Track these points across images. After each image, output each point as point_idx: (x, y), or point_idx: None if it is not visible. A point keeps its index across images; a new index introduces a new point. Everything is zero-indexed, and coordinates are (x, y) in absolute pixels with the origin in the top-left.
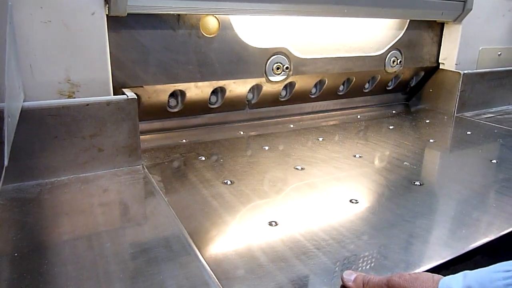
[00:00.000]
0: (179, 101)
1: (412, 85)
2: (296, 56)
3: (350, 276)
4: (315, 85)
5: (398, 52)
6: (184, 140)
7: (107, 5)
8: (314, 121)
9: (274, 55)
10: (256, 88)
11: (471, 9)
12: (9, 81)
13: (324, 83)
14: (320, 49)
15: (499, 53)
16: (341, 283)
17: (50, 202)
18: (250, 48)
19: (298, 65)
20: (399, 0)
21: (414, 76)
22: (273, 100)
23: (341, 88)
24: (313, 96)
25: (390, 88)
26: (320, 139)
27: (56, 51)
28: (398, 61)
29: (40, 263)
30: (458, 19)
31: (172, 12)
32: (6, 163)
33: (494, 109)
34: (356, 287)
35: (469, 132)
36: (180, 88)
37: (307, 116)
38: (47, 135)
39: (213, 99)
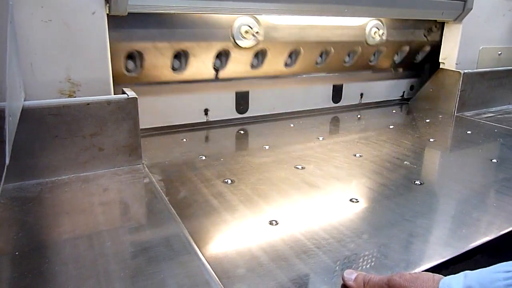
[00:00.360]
0: (138, 65)
1: (397, 62)
2: (266, 21)
3: (351, 275)
4: (290, 55)
5: (379, 23)
6: (184, 140)
7: (108, 5)
8: (314, 121)
9: (241, 15)
10: (224, 54)
11: (472, 9)
12: (10, 80)
13: (299, 53)
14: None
15: (499, 52)
16: (341, 282)
17: (50, 201)
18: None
19: (269, 31)
20: (399, 0)
21: (398, 52)
22: (244, 70)
23: (318, 60)
24: (287, 68)
25: (372, 63)
26: (321, 138)
27: (57, 50)
28: (380, 32)
29: (40, 262)
30: (458, 18)
31: (172, 11)
32: (7, 162)
33: (494, 109)
34: (357, 286)
35: (469, 132)
36: (136, 49)
37: (307, 115)
38: (48, 134)
39: (176, 64)
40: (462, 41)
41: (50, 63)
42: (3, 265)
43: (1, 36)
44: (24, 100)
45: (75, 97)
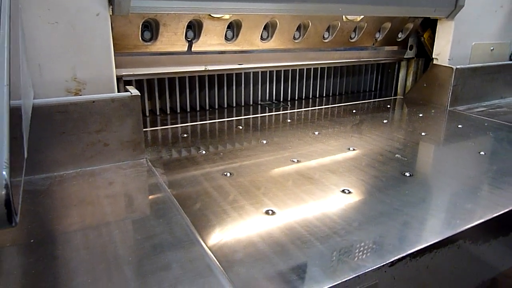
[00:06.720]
0: None
1: (378, 39)
2: None
3: None
4: (265, 28)
5: None
6: (185, 135)
7: (111, 6)
8: (310, 116)
9: None
10: (197, 26)
11: (464, 6)
12: (23, 79)
13: (276, 26)
14: None
15: (492, 48)
16: (334, 268)
17: (59, 194)
18: None
19: None
20: None
21: (380, 28)
22: (219, 43)
23: (296, 35)
24: (264, 42)
25: (353, 40)
26: (316, 133)
27: (63, 50)
28: None
29: (54, 248)
30: (450, 15)
31: (173, 13)
32: (26, 155)
33: (486, 103)
34: None
35: (460, 126)
36: None
37: (304, 110)
38: (56, 130)
39: (147, 35)
40: (455, 38)
41: (57, 63)
42: (20, 251)
43: (14, 38)
44: (33, 99)
45: (81, 95)
